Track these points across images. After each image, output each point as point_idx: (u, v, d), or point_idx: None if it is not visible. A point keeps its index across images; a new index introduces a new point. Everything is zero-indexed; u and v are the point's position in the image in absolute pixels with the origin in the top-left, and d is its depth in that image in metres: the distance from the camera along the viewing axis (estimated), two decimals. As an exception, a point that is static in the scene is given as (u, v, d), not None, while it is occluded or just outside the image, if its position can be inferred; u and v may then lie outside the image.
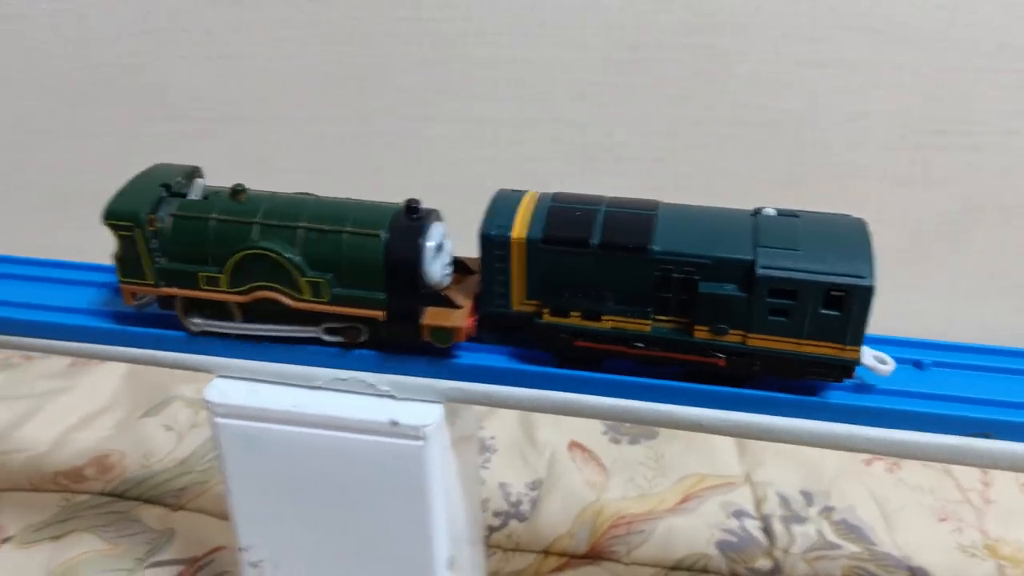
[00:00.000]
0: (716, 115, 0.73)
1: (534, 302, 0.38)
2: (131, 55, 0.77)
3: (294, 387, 0.40)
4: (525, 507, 0.62)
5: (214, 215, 0.39)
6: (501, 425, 0.70)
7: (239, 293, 0.39)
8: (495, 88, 0.74)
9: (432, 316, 0.38)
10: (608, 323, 0.37)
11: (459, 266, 0.41)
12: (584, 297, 0.37)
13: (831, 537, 0.59)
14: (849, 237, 0.35)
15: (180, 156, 0.80)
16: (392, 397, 0.39)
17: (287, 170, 0.78)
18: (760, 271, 0.34)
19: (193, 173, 0.42)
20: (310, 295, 0.38)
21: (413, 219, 0.38)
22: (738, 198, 0.40)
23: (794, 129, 0.73)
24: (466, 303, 0.39)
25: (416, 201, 0.38)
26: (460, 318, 0.38)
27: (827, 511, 0.62)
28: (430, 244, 0.38)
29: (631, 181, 0.76)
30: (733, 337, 0.36)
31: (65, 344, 0.43)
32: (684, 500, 0.63)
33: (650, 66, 0.71)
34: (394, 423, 0.38)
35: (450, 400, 0.39)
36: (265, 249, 0.38)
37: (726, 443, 0.68)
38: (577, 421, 0.68)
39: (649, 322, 0.37)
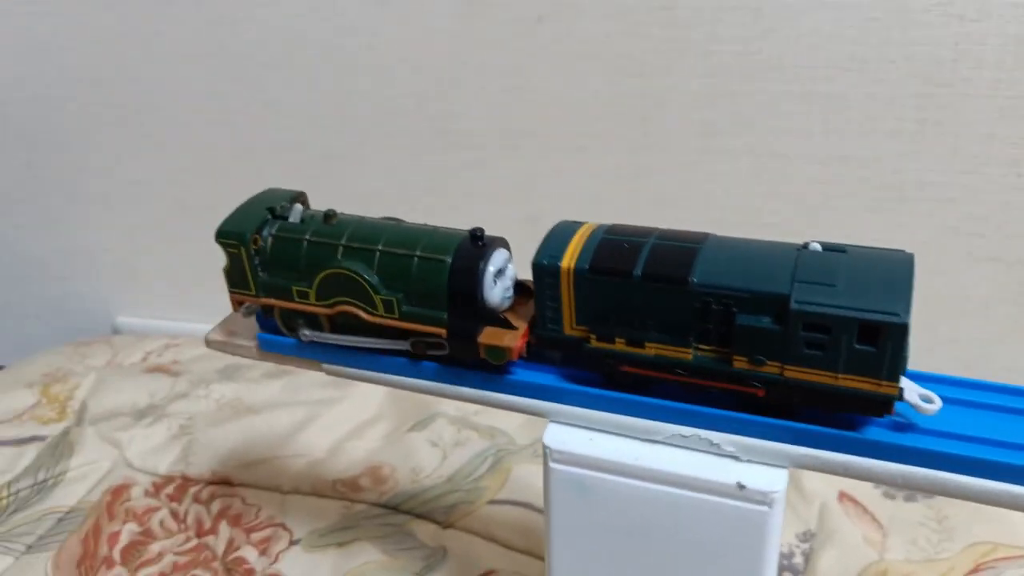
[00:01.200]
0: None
1: (583, 328, 0.40)
2: (416, 85, 0.80)
3: (632, 439, 0.40)
4: (798, 560, 0.60)
5: (307, 237, 0.44)
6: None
7: (324, 306, 0.44)
8: (790, 122, 0.72)
9: (488, 336, 0.41)
10: (651, 350, 0.39)
11: (522, 289, 0.43)
12: (629, 325, 0.39)
13: None
14: (891, 273, 0.35)
15: (459, 185, 0.84)
16: (736, 458, 0.38)
17: (564, 200, 0.79)
18: (794, 306, 0.35)
19: (297, 198, 0.47)
20: (383, 311, 0.43)
21: (477, 246, 0.41)
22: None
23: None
24: (522, 325, 0.42)
25: (480, 230, 0.42)
26: (512, 338, 0.41)
27: None
28: (490, 269, 0.41)
29: (930, 221, 0.72)
30: (771, 368, 0.36)
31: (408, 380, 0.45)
32: (975, 570, 0.58)
33: (956, 101, 0.67)
34: (741, 486, 0.37)
35: (800, 466, 0.38)
36: (346, 269, 0.43)
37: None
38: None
39: (690, 350, 0.38)
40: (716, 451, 0.39)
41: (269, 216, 0.45)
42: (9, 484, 0.70)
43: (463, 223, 0.45)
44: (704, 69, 0.72)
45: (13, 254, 1.04)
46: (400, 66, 0.80)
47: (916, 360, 0.42)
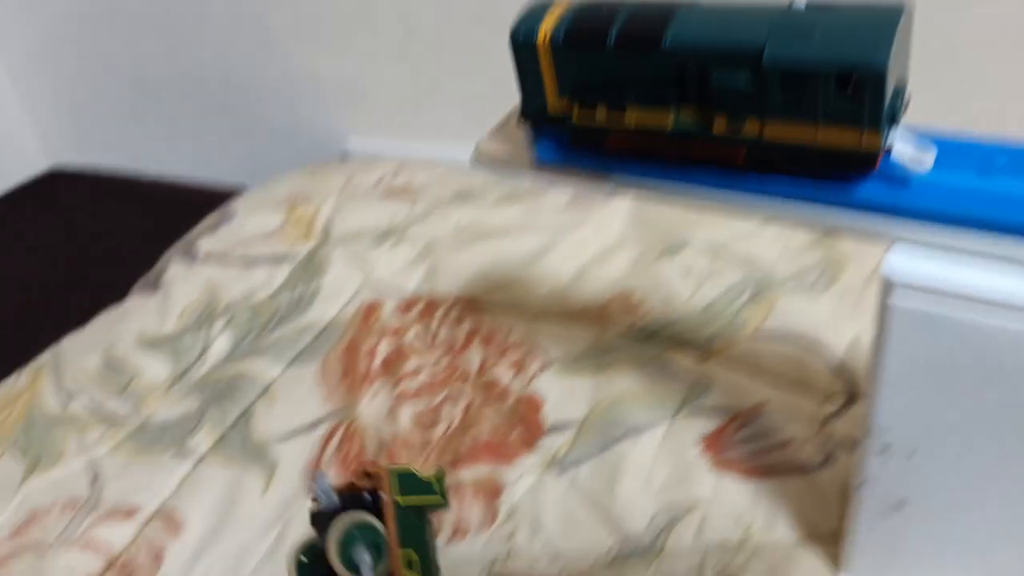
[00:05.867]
0: None
1: (565, 100, 0.39)
2: None
3: (1002, 274, 0.34)
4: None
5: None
6: None
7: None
8: None
9: None
10: (632, 119, 0.38)
11: None
12: (608, 94, 0.38)
13: None
14: (875, 22, 0.32)
15: None
16: None
17: None
18: (767, 57, 0.33)
19: None
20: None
21: None
22: None
23: None
24: None
25: None
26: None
27: None
28: None
29: None
30: (750, 128, 0.35)
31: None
32: None
33: None
34: None
35: None
36: None
37: None
38: None
39: (670, 116, 0.37)
40: (1120, 286, 0.32)
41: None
42: (271, 298, 0.73)
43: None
44: None
45: (245, 79, 1.06)
46: None
47: None
